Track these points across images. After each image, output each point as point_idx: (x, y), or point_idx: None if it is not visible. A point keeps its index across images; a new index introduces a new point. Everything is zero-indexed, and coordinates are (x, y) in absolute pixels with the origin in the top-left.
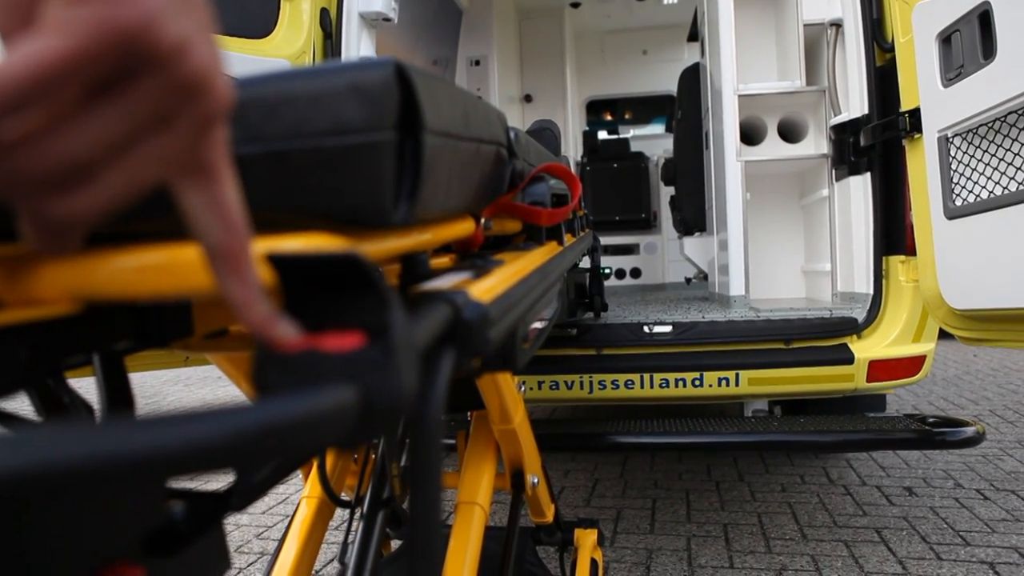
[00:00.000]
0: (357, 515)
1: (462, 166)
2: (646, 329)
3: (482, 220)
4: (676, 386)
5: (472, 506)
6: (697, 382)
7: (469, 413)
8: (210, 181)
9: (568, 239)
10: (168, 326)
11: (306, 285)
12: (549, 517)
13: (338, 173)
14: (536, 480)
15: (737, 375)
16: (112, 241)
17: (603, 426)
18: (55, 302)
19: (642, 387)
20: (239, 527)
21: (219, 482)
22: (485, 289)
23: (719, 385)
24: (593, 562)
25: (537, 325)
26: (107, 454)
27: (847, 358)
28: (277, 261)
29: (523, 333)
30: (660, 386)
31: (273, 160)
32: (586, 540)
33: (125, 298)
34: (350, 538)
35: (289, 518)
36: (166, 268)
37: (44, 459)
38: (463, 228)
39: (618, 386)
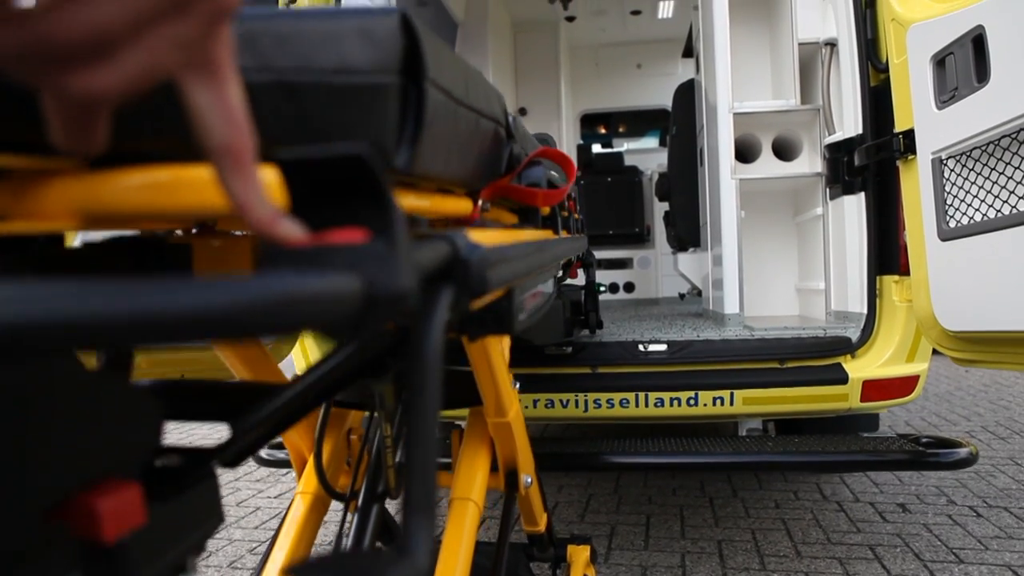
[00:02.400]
0: (351, 510)
1: (462, 135)
2: (641, 348)
3: (479, 201)
4: (671, 405)
5: (466, 502)
6: (692, 401)
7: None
8: (216, 79)
9: (564, 235)
10: (167, 270)
11: (312, 192)
12: (542, 526)
13: (344, 110)
14: (530, 480)
15: (732, 394)
16: (119, 163)
17: (597, 445)
18: (61, 219)
19: (637, 406)
20: (232, 542)
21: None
22: (483, 238)
23: (714, 404)
24: None
25: (533, 299)
26: (148, 310)
27: (841, 378)
28: (285, 164)
29: (520, 297)
30: (655, 405)
31: (283, 91)
32: (579, 556)
33: (129, 216)
34: (344, 531)
35: (283, 514)
36: (170, 186)
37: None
38: (461, 205)
39: (613, 405)
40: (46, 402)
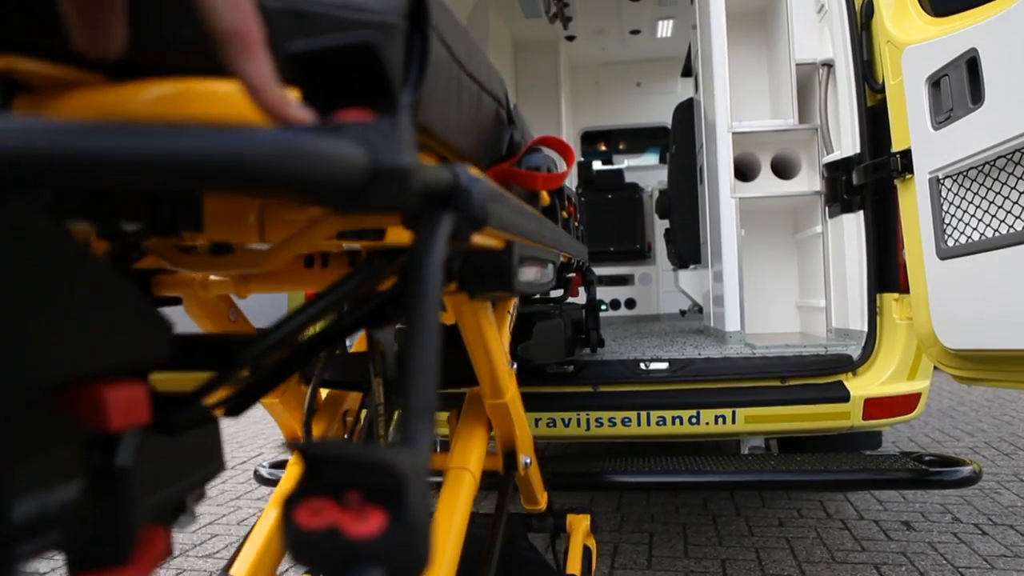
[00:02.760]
0: None
1: (464, 103)
2: (642, 366)
3: None
4: (673, 424)
5: (462, 471)
6: (694, 420)
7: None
8: None
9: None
10: (179, 215)
11: (321, 87)
12: (542, 504)
13: None
14: (529, 461)
15: (734, 413)
16: (139, 76)
17: (599, 464)
18: None
19: (639, 425)
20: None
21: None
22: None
23: (716, 423)
24: (586, 549)
25: (533, 270)
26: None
27: (843, 396)
28: (296, 57)
29: (519, 256)
30: (657, 423)
31: (293, 17)
32: (579, 526)
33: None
34: None
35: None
36: (187, 97)
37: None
38: None
39: (615, 423)
40: (59, 280)
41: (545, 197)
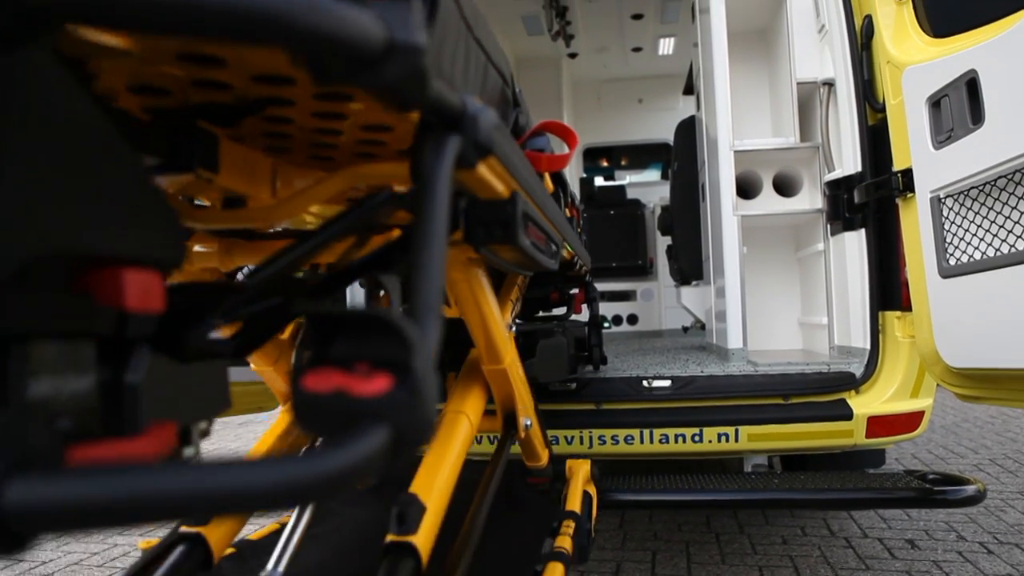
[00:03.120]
0: None
1: (472, 71)
2: (645, 384)
3: None
4: (676, 441)
5: (459, 414)
6: (697, 437)
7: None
8: None
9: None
10: (196, 152)
11: None
12: (544, 462)
13: None
14: (529, 423)
15: (736, 431)
16: None
17: (603, 482)
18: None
19: (642, 442)
20: None
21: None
22: None
23: (719, 441)
24: (586, 494)
25: (536, 236)
26: None
27: (846, 414)
28: None
29: (523, 212)
30: (660, 441)
31: None
32: (579, 470)
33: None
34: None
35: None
36: None
37: None
38: None
39: (618, 441)
40: (82, 145)
41: (549, 185)
